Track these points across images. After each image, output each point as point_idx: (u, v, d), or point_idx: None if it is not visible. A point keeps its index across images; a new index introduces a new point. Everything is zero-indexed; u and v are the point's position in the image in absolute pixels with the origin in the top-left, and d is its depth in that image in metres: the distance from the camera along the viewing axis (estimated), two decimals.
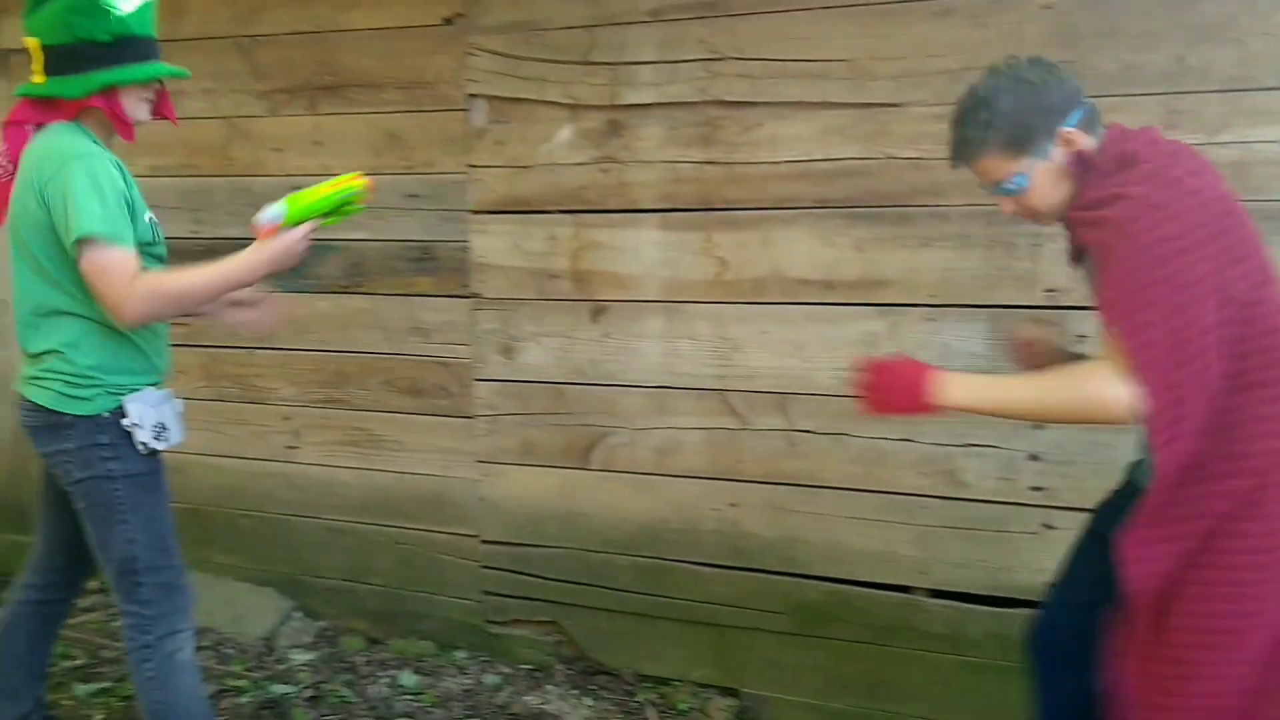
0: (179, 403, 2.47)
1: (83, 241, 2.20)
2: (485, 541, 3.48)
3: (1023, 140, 1.89)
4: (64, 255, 2.27)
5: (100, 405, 2.33)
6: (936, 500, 2.94)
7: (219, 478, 3.79)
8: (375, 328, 3.51)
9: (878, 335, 2.93)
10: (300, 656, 3.50)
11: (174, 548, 2.47)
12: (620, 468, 3.27)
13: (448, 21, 3.26)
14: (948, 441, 2.91)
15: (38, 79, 2.29)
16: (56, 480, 2.47)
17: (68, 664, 3.50)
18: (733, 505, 3.16)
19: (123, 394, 2.35)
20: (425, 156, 3.36)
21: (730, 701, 3.21)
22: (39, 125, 2.33)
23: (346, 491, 3.63)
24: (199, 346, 3.71)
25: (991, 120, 1.90)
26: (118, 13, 2.23)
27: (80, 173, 2.21)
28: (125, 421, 2.33)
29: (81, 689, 3.32)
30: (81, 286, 2.28)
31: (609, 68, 3.10)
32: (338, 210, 2.36)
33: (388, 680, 3.38)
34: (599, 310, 3.23)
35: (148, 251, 2.35)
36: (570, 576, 3.38)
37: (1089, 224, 1.89)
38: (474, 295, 3.36)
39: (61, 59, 2.26)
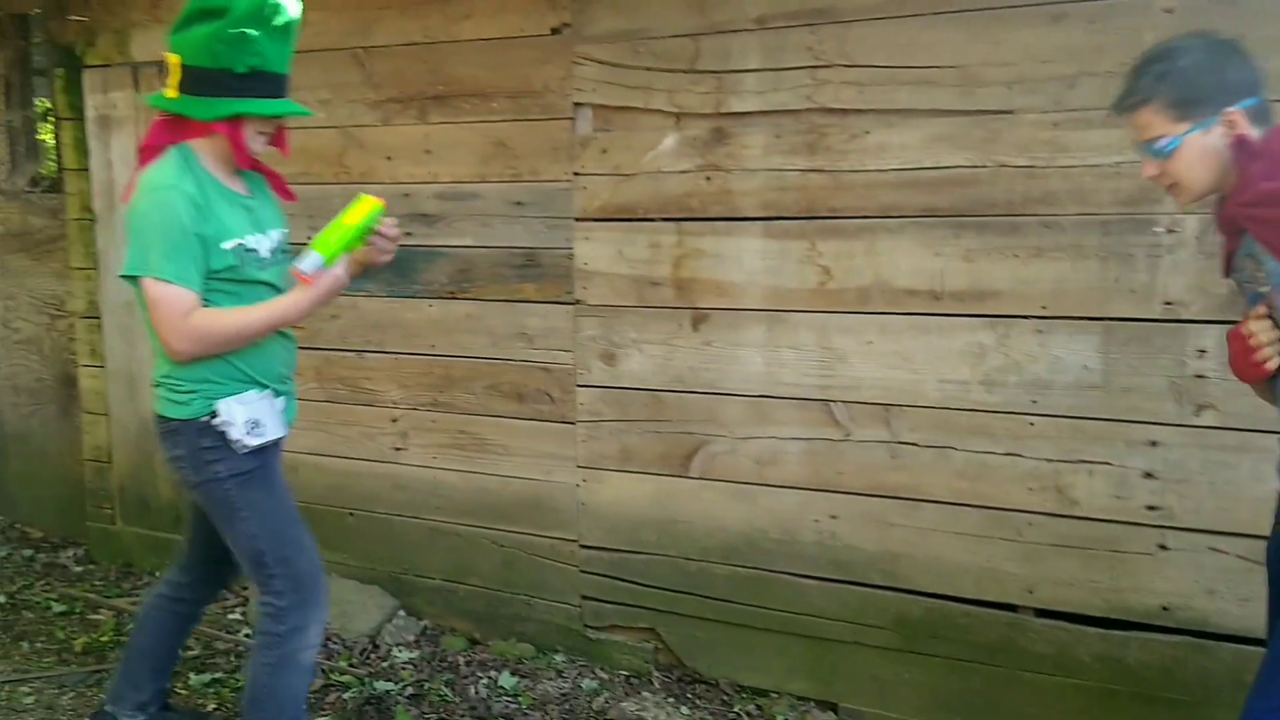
0: (279, 401, 2.55)
1: (139, 277, 2.34)
2: (584, 546, 3.51)
3: (1189, 104, 1.85)
4: None
5: (198, 408, 2.44)
6: (1044, 517, 2.86)
7: (328, 477, 3.89)
8: (481, 333, 3.57)
9: (986, 347, 2.87)
10: (403, 654, 3.58)
11: (299, 539, 2.55)
12: (719, 476, 3.26)
13: (555, 31, 3.30)
14: (1057, 457, 2.82)
15: (170, 93, 2.40)
16: None
17: (184, 654, 3.63)
18: (833, 517, 3.12)
19: (217, 398, 2.45)
20: (531, 165, 3.40)
21: (828, 715, 3.17)
22: (170, 145, 2.44)
23: (450, 493, 3.70)
24: (312, 349, 3.81)
25: (1167, 74, 1.86)
26: (260, 49, 2.32)
27: (150, 207, 2.35)
28: (216, 421, 2.43)
29: (195, 679, 3.45)
30: None
31: (714, 75, 3.10)
32: (365, 237, 2.48)
33: (487, 681, 3.42)
34: (700, 318, 3.22)
35: (228, 277, 2.42)
36: (668, 584, 3.38)
37: (1262, 220, 1.81)
38: (577, 302, 3.39)
39: (197, 81, 2.35)
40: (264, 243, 2.51)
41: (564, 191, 3.36)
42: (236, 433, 2.43)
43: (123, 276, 2.38)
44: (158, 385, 2.50)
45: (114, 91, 4.17)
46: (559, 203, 3.37)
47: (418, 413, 3.70)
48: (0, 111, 4.70)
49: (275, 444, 2.56)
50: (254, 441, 2.45)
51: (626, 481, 3.40)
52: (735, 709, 3.24)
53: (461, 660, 3.56)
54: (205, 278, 2.38)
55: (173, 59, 2.37)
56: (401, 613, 3.78)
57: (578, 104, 3.30)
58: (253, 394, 2.48)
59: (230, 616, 3.95)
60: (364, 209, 2.45)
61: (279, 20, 2.33)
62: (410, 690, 3.35)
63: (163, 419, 2.49)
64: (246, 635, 3.77)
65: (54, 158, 4.81)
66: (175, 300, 2.33)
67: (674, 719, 3.20)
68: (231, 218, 2.44)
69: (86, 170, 4.27)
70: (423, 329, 3.64)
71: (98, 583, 4.31)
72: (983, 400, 2.89)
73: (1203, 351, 2.65)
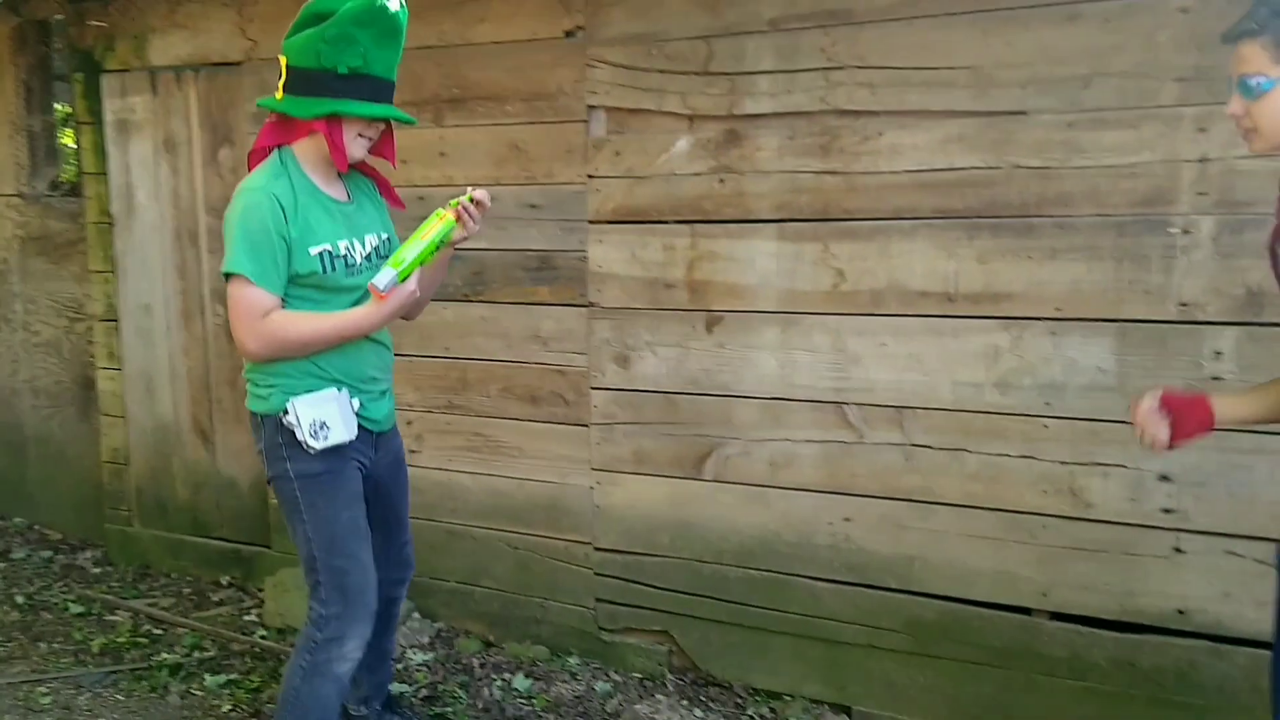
0: (355, 401, 2.54)
1: (226, 276, 2.40)
2: (599, 549, 3.51)
3: None
4: None
5: (275, 404, 2.48)
6: (1059, 520, 2.84)
7: None
8: (495, 336, 3.58)
9: (1000, 349, 2.86)
10: (418, 656, 3.59)
11: (355, 551, 2.54)
12: (733, 479, 3.26)
13: (569, 34, 3.31)
14: (1072, 460, 2.81)
15: (278, 95, 2.46)
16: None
17: (199, 655, 3.66)
18: (847, 520, 3.11)
19: (294, 394, 2.47)
20: (545, 167, 3.41)
21: (842, 719, 3.16)
22: (278, 146, 2.50)
23: (465, 495, 3.71)
24: None
25: None
26: (361, 51, 2.35)
27: (239, 209, 2.40)
28: (285, 419, 2.45)
29: (211, 680, 3.47)
30: None
31: (727, 78, 3.10)
32: (439, 250, 2.51)
33: (501, 683, 3.43)
34: (714, 320, 3.23)
35: (313, 283, 2.45)
36: (682, 587, 3.38)
37: None
38: (591, 304, 3.40)
39: (301, 81, 2.40)
40: (358, 249, 2.53)
41: (578, 194, 3.37)
42: (302, 433, 2.44)
43: (223, 274, 2.43)
44: (247, 381, 2.56)
45: (132, 96, 4.21)
46: (573, 205, 3.38)
47: (432, 415, 3.71)
48: (21, 116, 4.75)
49: (357, 448, 2.56)
50: (318, 444, 2.45)
51: (641, 484, 3.41)
52: (749, 712, 3.24)
53: (476, 662, 3.56)
54: (289, 281, 2.42)
55: (282, 60, 2.43)
56: (416, 615, 3.79)
57: (591, 107, 3.31)
58: (328, 394, 2.49)
59: (246, 618, 3.98)
60: (438, 224, 2.47)
61: (383, 24, 2.35)
62: (425, 692, 3.36)
63: (250, 413, 2.55)
64: (262, 636, 3.79)
65: (73, 162, 4.86)
66: (253, 300, 2.37)
67: None
68: (322, 223, 2.46)
69: (105, 174, 4.31)
70: (437, 332, 3.66)
71: (115, 584, 4.34)
72: (997, 402, 2.88)
73: (1219, 354, 2.63)
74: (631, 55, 3.23)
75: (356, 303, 2.49)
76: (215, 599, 4.19)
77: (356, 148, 2.46)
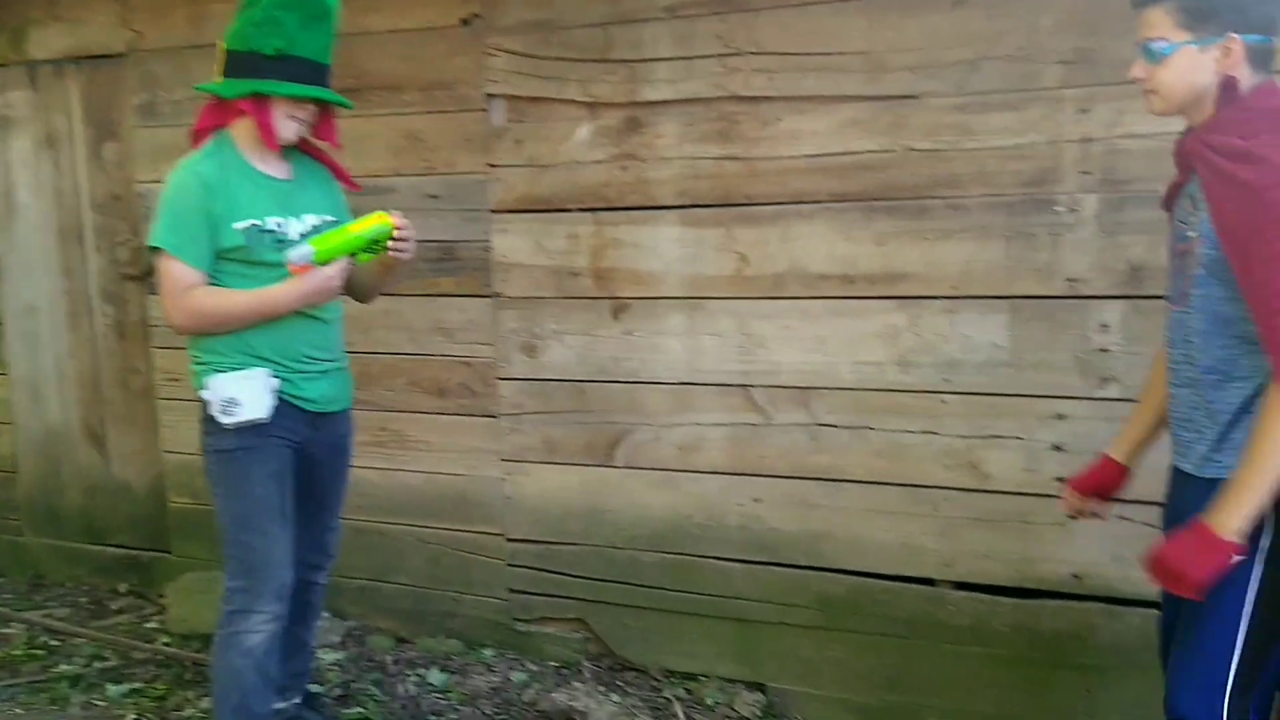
0: (274, 381, 2.53)
1: (151, 250, 2.48)
2: (511, 540, 3.50)
3: (1198, 15, 1.80)
4: None
5: (199, 381, 2.54)
6: (959, 492, 2.93)
7: None
8: (399, 329, 3.54)
9: (899, 328, 2.93)
10: (329, 656, 3.53)
11: (265, 528, 2.56)
12: (644, 465, 3.28)
13: (465, 22, 3.29)
14: (970, 434, 2.90)
15: (216, 78, 2.50)
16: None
17: (100, 665, 3.55)
18: (756, 500, 3.16)
19: (219, 371, 2.51)
20: (445, 157, 3.38)
21: (757, 696, 3.22)
22: (216, 129, 2.55)
23: (373, 492, 3.66)
24: None
25: None
26: (287, 32, 2.39)
27: (166, 188, 2.48)
28: (202, 395, 2.51)
29: (113, 689, 3.37)
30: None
31: (627, 65, 3.11)
32: (368, 249, 2.49)
33: (416, 679, 3.40)
34: (620, 308, 3.24)
35: (239, 258, 2.48)
36: (596, 574, 3.40)
37: (1215, 169, 1.79)
38: (496, 295, 3.38)
39: (233, 63, 2.46)
40: (294, 226, 2.55)
41: (479, 184, 3.35)
42: (213, 409, 2.48)
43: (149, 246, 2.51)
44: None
45: (11, 91, 4.06)
46: (475, 195, 3.36)
47: None
48: None
49: (280, 427, 2.55)
50: (227, 420, 2.47)
51: (551, 473, 3.41)
52: (665, 694, 3.27)
53: (389, 659, 3.53)
54: (219, 256, 2.47)
55: (220, 45, 2.48)
56: (327, 614, 3.72)
57: (491, 95, 3.29)
58: (248, 372, 2.50)
59: (148, 625, 3.87)
60: (372, 222, 2.47)
61: (308, 7, 2.41)
62: (338, 692, 3.31)
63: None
64: (166, 643, 3.69)
65: None
66: (176, 274, 2.44)
67: (605, 707, 3.21)
68: (252, 199, 2.49)
69: None
70: None
71: (8, 596, 4.18)
72: (897, 380, 2.96)
73: (1105, 326, 2.74)
74: (530, 43, 3.22)
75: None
76: (114, 607, 4.07)
77: (287, 128, 2.51)
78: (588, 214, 3.23)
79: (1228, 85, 1.80)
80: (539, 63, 3.21)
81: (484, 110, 3.31)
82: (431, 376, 3.52)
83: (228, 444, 2.52)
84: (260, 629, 2.57)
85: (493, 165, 3.32)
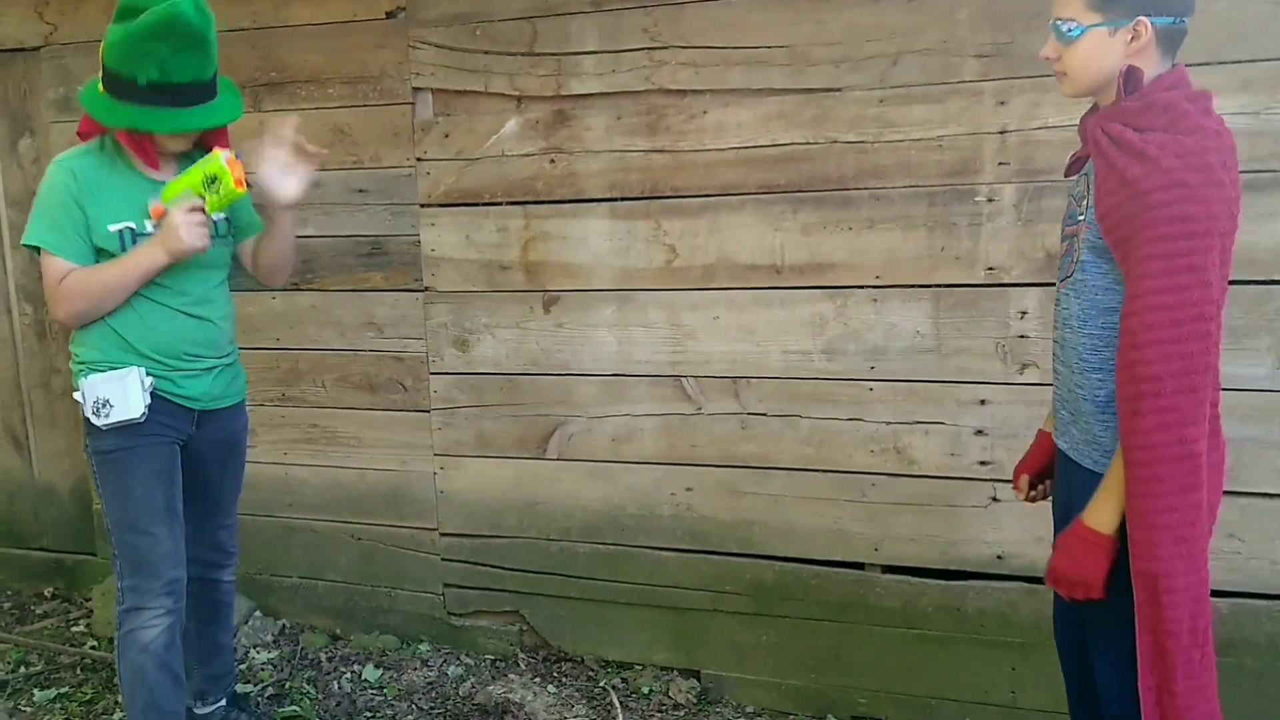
0: (149, 379, 2.49)
1: (30, 250, 2.47)
2: (445, 534, 3.50)
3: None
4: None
5: (75, 382, 2.52)
6: (886, 477, 2.99)
7: None
8: (328, 324, 3.51)
9: (825, 317, 2.98)
10: (262, 655, 3.50)
11: (149, 527, 2.52)
12: (577, 456, 3.30)
13: (390, 15, 3.26)
14: (895, 419, 2.96)
15: (100, 88, 2.42)
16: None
17: (26, 670, 3.48)
18: (689, 490, 3.19)
19: (96, 373, 2.48)
20: (372, 151, 3.36)
21: (692, 683, 3.25)
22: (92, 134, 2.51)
23: (304, 489, 3.63)
24: None
25: None
26: (158, 63, 2.30)
27: (43, 183, 2.45)
28: (75, 395, 2.49)
29: (40, 694, 3.31)
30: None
31: (553, 58, 3.12)
32: (209, 189, 2.41)
33: (350, 676, 3.38)
34: (551, 300, 3.25)
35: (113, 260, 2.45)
36: (530, 566, 3.40)
37: (1107, 159, 1.79)
38: (426, 289, 3.37)
39: (110, 80, 2.38)
40: None
41: (407, 177, 3.33)
42: (86, 410, 2.46)
43: (25, 245, 2.47)
44: None
45: None
46: (403, 189, 3.34)
47: (265, 409, 3.61)
48: None
49: (161, 425, 2.52)
50: (100, 421, 2.45)
51: (484, 467, 3.41)
52: (601, 684, 3.29)
53: (323, 656, 3.50)
54: (94, 253, 2.44)
55: (101, 50, 2.39)
56: (258, 613, 3.70)
57: (417, 88, 3.27)
58: (121, 372, 2.46)
59: (74, 629, 3.80)
60: (212, 159, 2.40)
61: (180, 36, 2.29)
62: (271, 690, 3.29)
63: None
64: (93, 647, 3.62)
65: None
66: (53, 268, 2.42)
67: (541, 699, 3.23)
68: (128, 200, 2.45)
69: None
70: (266, 322, 3.56)
71: None
72: (825, 369, 3.00)
73: (1024, 313, 2.81)
74: (455, 36, 3.20)
75: (181, 279, 2.51)
76: (39, 611, 3.98)
77: (171, 144, 2.47)
78: (517, 207, 3.23)
79: (1130, 74, 1.79)
80: (465, 55, 3.20)
81: (410, 104, 3.29)
82: (362, 372, 3.50)
83: (107, 445, 2.49)
84: (153, 624, 2.54)
85: (420, 159, 3.30)
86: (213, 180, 2.41)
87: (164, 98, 2.35)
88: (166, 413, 2.52)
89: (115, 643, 2.60)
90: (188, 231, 2.38)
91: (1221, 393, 1.82)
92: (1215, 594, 1.86)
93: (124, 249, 2.43)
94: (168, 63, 2.30)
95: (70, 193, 2.40)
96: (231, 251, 2.68)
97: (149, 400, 2.47)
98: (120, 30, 2.31)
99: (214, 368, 2.62)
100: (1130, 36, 1.79)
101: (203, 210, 2.41)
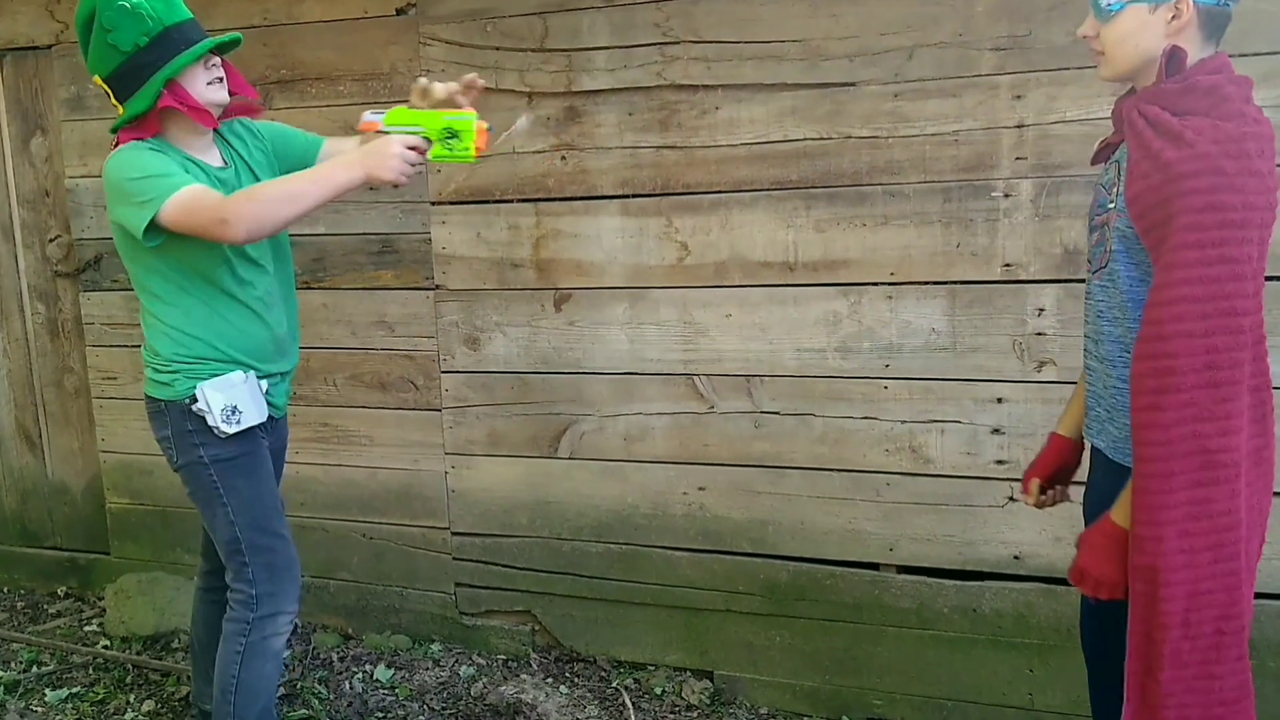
0: (263, 383, 2.50)
1: (158, 212, 2.23)
2: (456, 534, 3.48)
3: None
4: (140, 256, 2.38)
5: (181, 390, 2.42)
6: (901, 477, 2.96)
7: None
8: (339, 322, 3.49)
9: (840, 315, 2.94)
10: None
11: (278, 528, 2.54)
12: (588, 455, 3.27)
13: (400, 12, 3.24)
14: (910, 418, 2.92)
15: (120, 110, 2.37)
16: None
17: (39, 670, 3.48)
18: (701, 489, 3.16)
19: (200, 379, 2.42)
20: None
21: (705, 684, 3.23)
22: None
23: (315, 488, 3.62)
24: None
25: None
26: (145, 12, 2.26)
27: (122, 166, 2.29)
28: (195, 406, 2.41)
29: (52, 695, 3.30)
30: (157, 283, 2.40)
31: (564, 54, 3.09)
32: (444, 139, 2.29)
33: (362, 676, 3.37)
34: (563, 298, 3.22)
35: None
36: (542, 566, 3.38)
37: (1142, 141, 1.73)
38: (437, 287, 3.35)
39: (124, 80, 2.32)
40: None
41: (418, 175, 3.30)
42: (214, 419, 2.40)
43: (146, 239, 2.27)
44: (145, 366, 2.49)
45: None
46: (414, 187, 3.32)
47: None
48: None
49: (263, 429, 2.52)
50: (231, 429, 2.41)
51: (496, 466, 3.39)
52: (614, 684, 3.27)
53: (335, 656, 3.49)
54: (169, 238, 2.30)
55: (98, 81, 2.36)
56: None
57: None
58: (236, 377, 2.44)
59: (87, 629, 3.80)
60: (457, 113, 2.29)
61: None
62: (283, 690, 3.27)
63: (150, 399, 2.48)
64: (105, 646, 3.62)
65: None
66: (198, 195, 2.24)
67: (553, 699, 3.20)
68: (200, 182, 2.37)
69: None
70: None
71: None
72: (839, 367, 2.97)
73: (1041, 310, 2.77)
74: (466, 32, 3.18)
75: (261, 280, 2.49)
76: (52, 611, 3.98)
77: (214, 93, 2.37)
78: (528, 204, 3.21)
79: (1174, 55, 1.73)
80: (476, 52, 3.18)
81: None
82: (373, 370, 3.48)
83: (230, 451, 2.45)
84: (284, 630, 2.55)
85: None
86: (453, 134, 2.28)
87: (172, 42, 2.29)
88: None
89: (236, 650, 2.51)
90: (398, 164, 2.23)
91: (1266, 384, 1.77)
92: None
93: None
94: (153, 10, 2.26)
95: (152, 149, 2.31)
96: None
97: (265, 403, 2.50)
98: (96, 35, 2.29)
99: (287, 374, 2.64)
100: (1171, 15, 1.73)
101: (423, 154, 2.28)
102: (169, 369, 2.43)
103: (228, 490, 2.47)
